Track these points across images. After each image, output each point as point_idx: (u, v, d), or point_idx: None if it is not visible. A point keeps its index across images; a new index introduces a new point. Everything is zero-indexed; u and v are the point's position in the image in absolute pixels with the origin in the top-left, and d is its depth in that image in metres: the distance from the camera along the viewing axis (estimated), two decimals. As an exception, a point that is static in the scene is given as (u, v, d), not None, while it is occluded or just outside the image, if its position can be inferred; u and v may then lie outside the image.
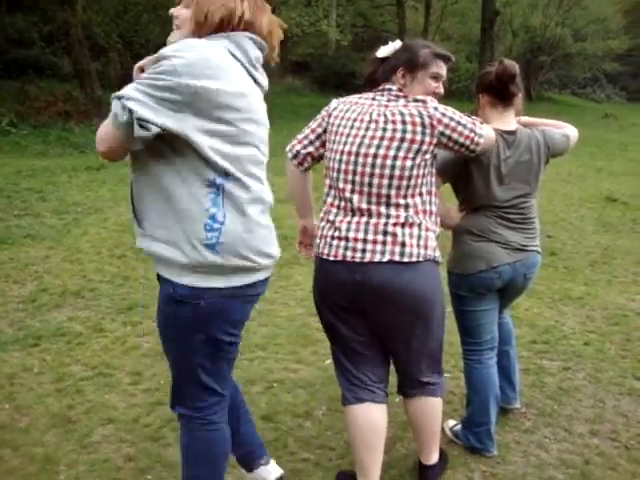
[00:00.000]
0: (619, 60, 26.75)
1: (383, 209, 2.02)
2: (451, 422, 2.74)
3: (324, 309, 2.20)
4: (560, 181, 8.92)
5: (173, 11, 1.72)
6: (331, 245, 2.07)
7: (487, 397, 2.51)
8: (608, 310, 4.23)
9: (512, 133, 2.39)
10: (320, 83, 19.09)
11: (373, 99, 2.10)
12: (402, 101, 2.06)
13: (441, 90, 2.16)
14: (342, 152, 2.06)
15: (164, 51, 1.56)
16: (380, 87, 2.13)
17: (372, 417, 2.19)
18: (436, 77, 2.13)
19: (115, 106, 1.53)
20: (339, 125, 2.09)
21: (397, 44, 2.17)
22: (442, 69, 2.15)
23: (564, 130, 2.56)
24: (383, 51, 2.17)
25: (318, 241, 2.15)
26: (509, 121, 2.41)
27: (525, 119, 2.53)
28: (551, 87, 27.63)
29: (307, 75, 19.82)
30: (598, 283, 4.83)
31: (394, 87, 2.11)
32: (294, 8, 15.32)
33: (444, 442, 2.65)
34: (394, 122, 2.00)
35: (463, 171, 2.39)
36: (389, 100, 2.08)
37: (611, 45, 24.59)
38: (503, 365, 2.70)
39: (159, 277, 1.74)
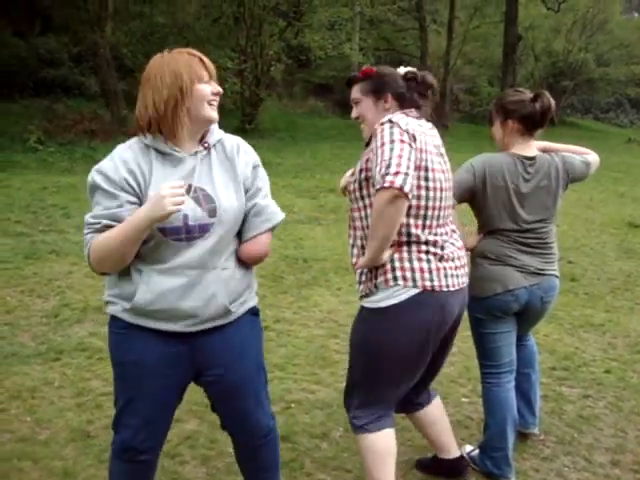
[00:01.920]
0: (643, 85, 26.63)
1: (452, 237, 2.14)
2: (468, 447, 2.72)
3: (429, 346, 2.08)
4: (582, 206, 8.86)
5: (219, 90, 1.80)
6: (453, 276, 2.05)
7: (504, 420, 2.49)
8: (630, 338, 4.17)
9: (532, 159, 2.41)
10: (342, 105, 19.20)
11: (421, 126, 2.08)
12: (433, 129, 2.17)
13: (352, 114, 2.23)
14: (441, 189, 2.04)
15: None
16: (413, 111, 2.13)
17: (393, 442, 2.21)
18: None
19: None
20: (431, 160, 2.02)
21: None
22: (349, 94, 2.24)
23: (585, 156, 2.56)
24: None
25: (429, 274, 1.99)
26: (530, 147, 2.43)
27: (545, 144, 2.53)
28: (574, 112, 27.54)
29: (329, 97, 19.97)
30: (620, 310, 4.77)
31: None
32: (317, 31, 15.52)
33: (461, 468, 2.63)
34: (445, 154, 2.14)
35: (480, 195, 2.40)
36: (431, 128, 2.16)
37: (634, 70, 24.47)
38: (523, 388, 2.68)
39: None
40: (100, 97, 13.52)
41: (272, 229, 1.88)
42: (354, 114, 2.20)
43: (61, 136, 11.64)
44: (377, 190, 1.88)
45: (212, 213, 1.75)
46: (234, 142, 1.88)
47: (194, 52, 1.78)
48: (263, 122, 15.35)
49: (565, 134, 18.55)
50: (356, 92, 2.17)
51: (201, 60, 1.76)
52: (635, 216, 8.26)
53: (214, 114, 1.78)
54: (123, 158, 1.73)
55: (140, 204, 1.71)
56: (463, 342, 3.99)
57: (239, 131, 13.78)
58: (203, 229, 1.74)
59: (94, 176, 1.73)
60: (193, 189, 1.74)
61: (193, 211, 1.72)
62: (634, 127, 26.94)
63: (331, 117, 18.84)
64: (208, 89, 1.76)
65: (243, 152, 1.87)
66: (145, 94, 1.74)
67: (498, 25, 21.43)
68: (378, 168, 1.90)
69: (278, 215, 1.89)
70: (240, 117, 14.73)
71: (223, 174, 1.81)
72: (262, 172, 1.90)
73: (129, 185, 1.71)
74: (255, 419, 1.95)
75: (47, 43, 13.87)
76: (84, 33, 12.78)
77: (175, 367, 1.83)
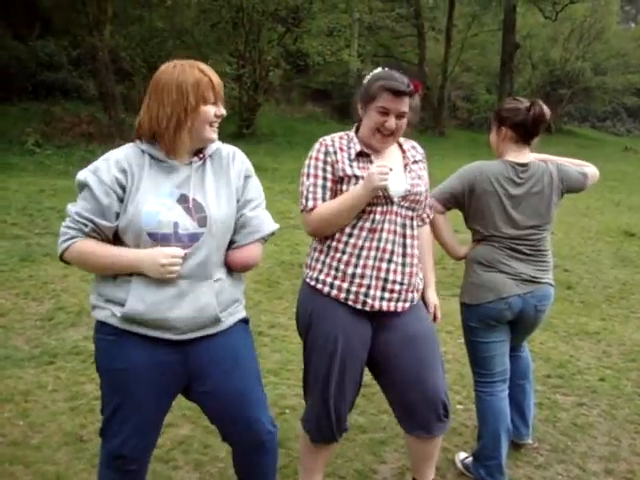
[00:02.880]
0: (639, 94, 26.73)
1: None
2: (462, 454, 2.72)
3: None
4: (578, 214, 8.89)
5: (223, 113, 1.80)
6: None
7: (498, 429, 2.48)
8: (625, 346, 4.18)
9: (524, 165, 2.42)
10: (340, 111, 19.26)
11: None
12: None
13: (391, 124, 2.05)
14: None
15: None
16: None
17: None
18: (383, 111, 2.04)
19: None
20: None
21: (373, 72, 2.14)
22: (390, 102, 2.03)
23: (583, 168, 2.57)
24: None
25: None
26: (524, 155, 2.45)
27: (543, 156, 2.54)
28: (571, 120, 27.61)
29: (327, 103, 20.00)
30: (615, 318, 4.77)
31: (350, 132, 2.17)
32: (316, 37, 15.54)
33: (455, 475, 2.63)
34: None
35: (470, 201, 2.41)
36: None
37: (631, 79, 24.58)
38: (517, 399, 2.68)
39: None
40: (98, 100, 13.51)
41: (261, 240, 1.88)
42: (397, 126, 2.06)
43: (59, 139, 11.63)
44: (427, 220, 2.28)
45: (202, 222, 1.75)
46: (230, 151, 1.89)
47: (206, 70, 1.75)
48: (261, 127, 15.35)
49: (562, 142, 18.63)
50: (406, 106, 2.05)
51: (211, 81, 1.74)
52: (631, 224, 8.29)
53: (214, 136, 1.79)
54: (117, 158, 1.75)
55: (122, 208, 1.72)
56: (459, 349, 4.00)
57: (236, 136, 13.80)
58: (193, 238, 1.74)
59: (87, 175, 1.74)
60: (185, 199, 1.74)
61: (183, 220, 1.73)
62: (631, 136, 27.02)
63: (329, 123, 18.85)
64: (212, 111, 1.75)
65: (238, 161, 1.88)
66: (151, 105, 1.73)
67: (496, 33, 21.53)
68: (428, 201, 2.26)
69: (266, 227, 1.88)
70: (238, 122, 14.73)
71: (216, 183, 1.81)
72: (254, 183, 1.90)
73: (119, 185, 1.72)
74: (260, 425, 1.90)
75: (46, 46, 13.87)
76: (83, 37, 12.79)
77: (166, 374, 1.81)
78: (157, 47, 14.03)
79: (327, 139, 2.14)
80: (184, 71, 1.72)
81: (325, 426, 2.18)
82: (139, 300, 1.72)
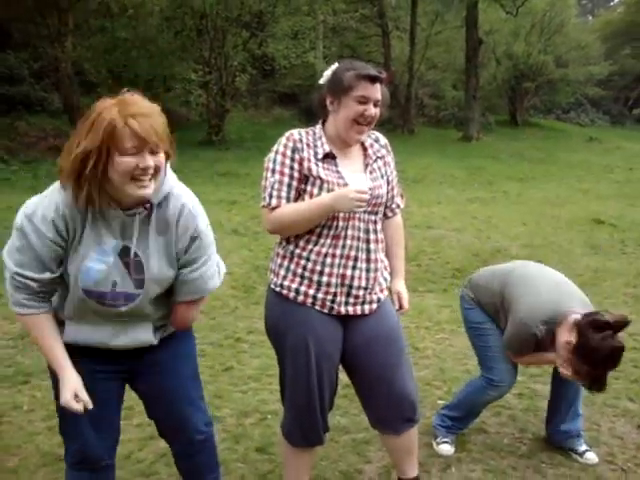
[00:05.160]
0: (601, 85, 27.26)
1: None
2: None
3: None
4: (548, 204, 9.01)
5: (154, 163, 1.55)
6: None
7: None
8: (600, 332, 4.23)
9: None
10: (307, 114, 19.24)
11: None
12: None
13: (372, 112, 2.00)
14: None
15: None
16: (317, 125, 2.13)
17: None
18: (362, 100, 1.98)
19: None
20: None
21: (333, 67, 2.09)
22: (369, 90, 1.98)
23: None
24: (324, 77, 2.10)
25: None
26: None
27: None
28: (536, 113, 28.00)
29: (295, 106, 19.99)
30: (589, 305, 4.83)
31: (317, 128, 2.10)
32: (281, 40, 15.52)
33: (440, 469, 2.63)
34: None
35: None
36: None
37: (592, 71, 25.09)
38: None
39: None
40: (63, 113, 13.32)
41: (200, 298, 1.83)
42: (376, 113, 2.02)
43: (24, 154, 11.45)
44: (397, 210, 2.23)
45: (139, 284, 1.69)
46: (178, 204, 1.68)
47: (131, 112, 1.49)
48: (229, 133, 15.27)
49: (529, 134, 18.91)
50: (380, 94, 2.02)
51: (128, 128, 1.48)
52: (599, 212, 8.44)
53: (142, 192, 1.54)
54: (56, 204, 1.59)
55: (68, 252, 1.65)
56: (437, 344, 4.02)
57: (206, 143, 13.73)
58: (128, 299, 1.70)
59: (23, 222, 1.62)
60: (126, 252, 1.66)
61: (122, 280, 1.68)
62: (595, 126, 27.52)
63: (297, 125, 18.62)
64: (133, 163, 1.51)
65: (184, 219, 1.68)
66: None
67: (459, 30, 21.73)
68: (396, 191, 2.21)
69: (205, 288, 1.79)
70: (206, 129, 14.65)
71: (158, 241, 1.68)
72: (202, 242, 1.73)
73: (60, 236, 1.61)
74: (190, 424, 1.95)
75: (6, 59, 13.61)
76: (44, 49, 12.61)
77: (110, 381, 1.86)
78: (121, 57, 13.88)
79: (294, 133, 2.06)
80: (105, 108, 1.52)
81: (311, 430, 2.15)
82: (74, 334, 1.76)
